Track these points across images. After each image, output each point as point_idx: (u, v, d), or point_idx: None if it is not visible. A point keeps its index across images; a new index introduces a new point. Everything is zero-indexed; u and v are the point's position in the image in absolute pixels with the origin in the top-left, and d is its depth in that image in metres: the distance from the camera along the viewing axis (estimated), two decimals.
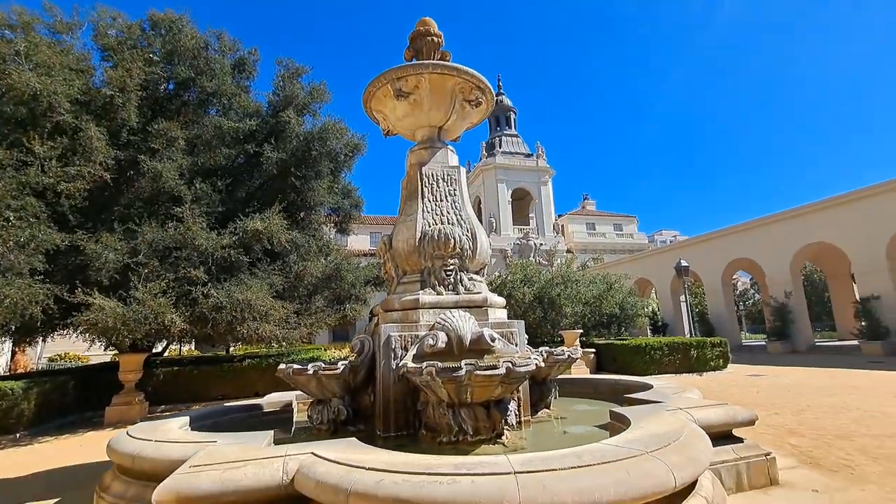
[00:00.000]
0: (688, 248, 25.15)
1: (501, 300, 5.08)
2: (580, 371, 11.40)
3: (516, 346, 4.62)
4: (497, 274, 14.30)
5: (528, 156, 42.25)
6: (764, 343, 20.65)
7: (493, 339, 4.24)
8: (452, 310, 4.56)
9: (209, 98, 11.33)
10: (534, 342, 13.39)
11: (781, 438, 5.00)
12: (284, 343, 11.33)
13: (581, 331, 11.89)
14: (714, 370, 12.10)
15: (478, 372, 3.45)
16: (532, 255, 39.95)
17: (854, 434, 5.06)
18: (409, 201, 5.20)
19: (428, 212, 5.04)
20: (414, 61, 5.16)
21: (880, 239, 16.17)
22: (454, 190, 5.26)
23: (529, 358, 3.96)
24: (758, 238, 20.76)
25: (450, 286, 4.80)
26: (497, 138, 42.53)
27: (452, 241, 4.77)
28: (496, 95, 40.54)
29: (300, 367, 4.27)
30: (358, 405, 4.49)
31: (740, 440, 3.60)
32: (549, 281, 12.92)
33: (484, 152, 41.67)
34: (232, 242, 9.20)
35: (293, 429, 4.85)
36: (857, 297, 17.50)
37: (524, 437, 4.06)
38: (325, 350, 18.92)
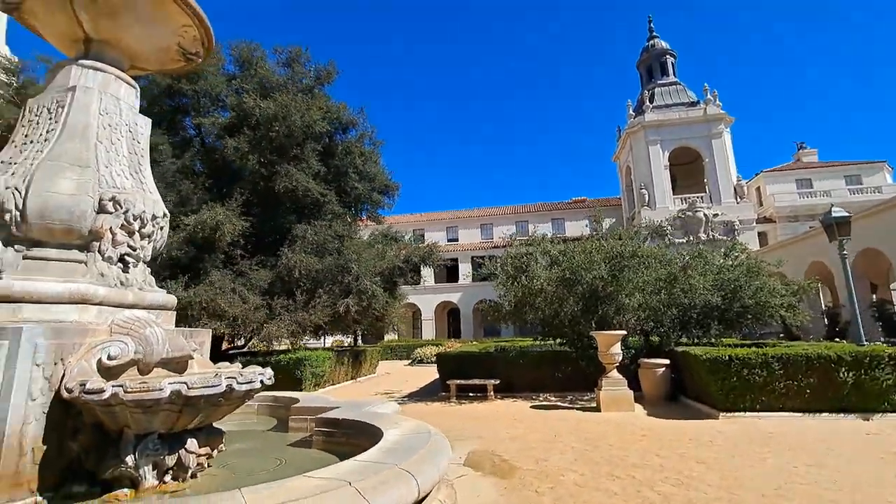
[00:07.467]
0: None
1: (52, 290, 2.97)
2: (619, 395, 7.43)
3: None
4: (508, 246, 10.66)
5: (693, 104, 33.27)
6: None
7: None
8: None
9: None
10: (573, 346, 9.62)
11: None
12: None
13: (624, 332, 7.79)
14: None
15: None
16: (702, 229, 31.20)
17: None
18: None
19: (2, 161, 3.35)
20: None
21: None
22: (53, 125, 3.42)
23: None
24: None
25: None
26: (648, 91, 34.81)
27: None
28: (649, 39, 33.65)
29: None
30: None
31: None
32: (583, 260, 8.79)
33: (631, 112, 34.55)
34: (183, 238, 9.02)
35: None
36: None
37: None
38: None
